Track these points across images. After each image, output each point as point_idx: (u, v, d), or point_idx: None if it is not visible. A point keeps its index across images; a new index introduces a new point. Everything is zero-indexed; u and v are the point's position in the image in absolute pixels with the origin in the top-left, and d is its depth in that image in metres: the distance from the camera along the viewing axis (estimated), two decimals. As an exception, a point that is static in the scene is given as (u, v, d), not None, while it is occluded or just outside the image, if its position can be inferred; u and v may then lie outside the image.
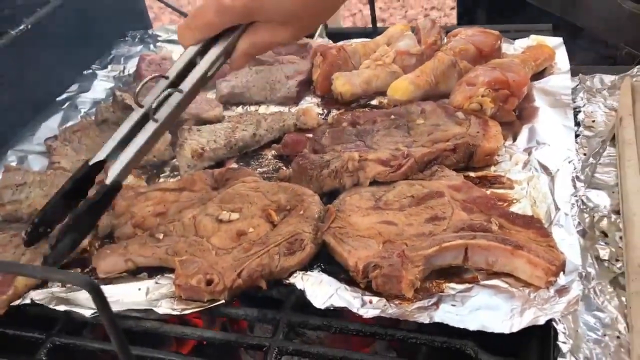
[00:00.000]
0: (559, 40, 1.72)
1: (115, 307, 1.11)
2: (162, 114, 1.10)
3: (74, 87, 1.87)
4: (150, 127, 1.10)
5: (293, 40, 1.20)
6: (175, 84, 1.12)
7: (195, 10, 1.13)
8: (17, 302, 1.16)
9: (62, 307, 1.14)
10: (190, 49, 1.14)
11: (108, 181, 1.06)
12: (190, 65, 1.14)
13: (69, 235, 1.02)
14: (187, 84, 1.12)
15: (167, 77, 1.13)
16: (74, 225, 1.03)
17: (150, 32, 2.16)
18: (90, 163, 1.07)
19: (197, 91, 1.14)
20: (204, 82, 1.14)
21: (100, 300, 0.62)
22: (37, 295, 1.16)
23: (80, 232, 1.06)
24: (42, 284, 1.21)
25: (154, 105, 1.09)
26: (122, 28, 2.12)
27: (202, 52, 1.14)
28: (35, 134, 1.68)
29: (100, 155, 1.09)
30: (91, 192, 1.09)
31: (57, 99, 1.82)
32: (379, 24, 1.96)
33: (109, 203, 1.11)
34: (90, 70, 1.95)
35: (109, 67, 1.97)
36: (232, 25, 1.12)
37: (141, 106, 1.11)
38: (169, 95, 1.10)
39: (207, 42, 1.14)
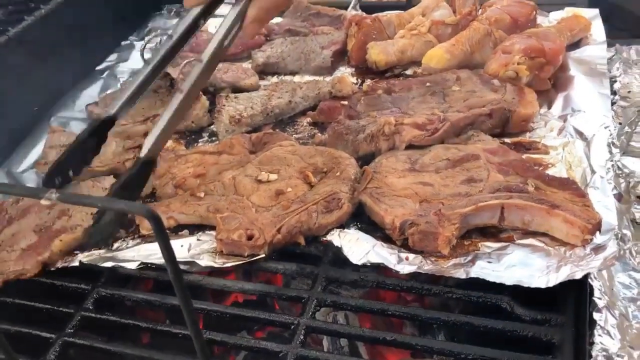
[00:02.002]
0: (595, 11, 1.72)
1: (159, 262, 1.15)
2: (186, 84, 1.14)
3: (113, 57, 1.91)
4: (176, 99, 1.14)
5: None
6: (179, 44, 1.17)
7: None
8: (66, 264, 1.20)
9: (108, 264, 1.18)
10: (194, 10, 1.18)
11: (142, 154, 1.11)
12: (194, 25, 1.19)
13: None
14: (206, 54, 1.15)
15: (171, 37, 1.18)
16: (115, 195, 1.05)
17: (185, 5, 2.19)
18: (102, 118, 1.12)
19: (216, 60, 1.18)
20: (222, 51, 1.18)
21: (158, 227, 0.65)
22: (85, 258, 1.20)
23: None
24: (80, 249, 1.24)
25: (178, 77, 1.14)
26: (159, 2, 2.15)
27: (204, 14, 1.19)
28: (77, 102, 1.72)
29: (111, 111, 1.14)
30: (104, 148, 1.15)
31: (97, 68, 1.86)
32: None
33: (146, 176, 1.14)
34: (128, 42, 1.99)
35: (146, 38, 1.99)
36: None
37: (147, 63, 1.16)
38: (189, 65, 1.15)
39: (209, 5, 1.18)
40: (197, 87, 1.16)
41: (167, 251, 0.65)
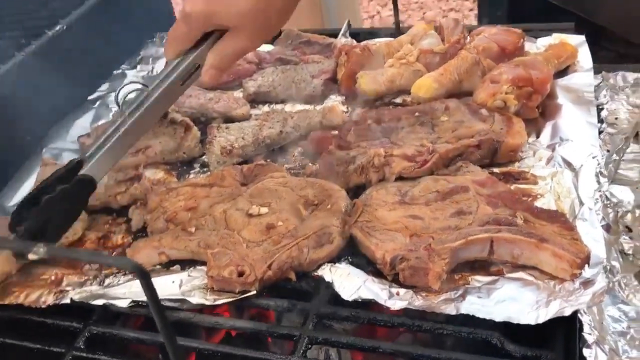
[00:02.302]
0: (582, 38, 1.73)
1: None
2: (134, 114, 1.21)
3: (105, 87, 1.91)
4: (123, 126, 1.21)
5: (256, 46, 1.28)
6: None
7: (173, 25, 1.23)
8: (57, 302, 1.20)
9: (100, 302, 1.18)
10: (171, 62, 1.25)
11: (81, 172, 1.14)
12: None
13: (40, 215, 1.09)
14: (157, 88, 1.23)
15: (147, 86, 1.26)
16: (45, 208, 1.09)
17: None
18: (75, 160, 1.16)
19: (169, 97, 1.26)
20: (177, 89, 1.26)
21: (146, 283, 0.66)
22: (76, 295, 1.20)
23: (55, 219, 1.12)
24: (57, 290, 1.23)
25: (121, 102, 1.24)
26: (151, 30, 2.16)
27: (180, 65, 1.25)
28: (69, 132, 1.72)
29: (82, 155, 1.19)
30: None
31: (89, 97, 1.86)
32: (396, 26, 1.99)
33: (84, 197, 1.18)
34: (120, 71, 1.99)
35: (138, 67, 2.01)
36: (204, 34, 1.22)
37: (123, 112, 1.24)
38: (143, 97, 1.23)
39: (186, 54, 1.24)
40: (149, 118, 1.24)
41: (156, 307, 0.66)
